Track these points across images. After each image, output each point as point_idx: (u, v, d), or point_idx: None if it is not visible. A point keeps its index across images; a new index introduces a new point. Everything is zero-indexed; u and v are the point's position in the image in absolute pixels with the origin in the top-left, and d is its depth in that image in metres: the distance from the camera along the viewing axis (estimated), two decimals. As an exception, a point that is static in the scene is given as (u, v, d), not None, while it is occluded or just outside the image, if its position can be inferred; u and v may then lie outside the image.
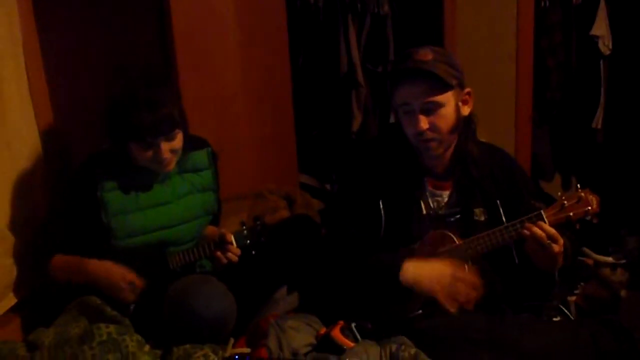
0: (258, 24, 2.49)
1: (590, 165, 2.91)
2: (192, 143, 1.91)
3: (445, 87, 1.65)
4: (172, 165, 1.81)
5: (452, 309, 1.60)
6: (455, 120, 1.70)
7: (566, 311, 1.84)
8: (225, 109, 2.46)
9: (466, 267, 1.65)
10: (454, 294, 1.60)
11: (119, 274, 1.76)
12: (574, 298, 2.16)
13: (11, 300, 1.89)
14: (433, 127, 1.66)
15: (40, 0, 2.04)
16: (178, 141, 1.78)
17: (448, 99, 1.67)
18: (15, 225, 1.88)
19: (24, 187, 1.92)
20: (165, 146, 1.74)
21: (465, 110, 1.74)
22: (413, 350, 1.60)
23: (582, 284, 2.27)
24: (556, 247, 1.57)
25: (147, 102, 1.71)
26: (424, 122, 1.65)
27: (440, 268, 1.64)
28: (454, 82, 1.67)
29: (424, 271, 1.64)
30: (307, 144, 2.88)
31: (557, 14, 2.75)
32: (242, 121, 2.52)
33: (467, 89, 1.73)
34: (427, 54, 1.65)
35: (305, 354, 1.71)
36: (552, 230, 1.57)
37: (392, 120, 2.87)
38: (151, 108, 1.70)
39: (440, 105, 1.66)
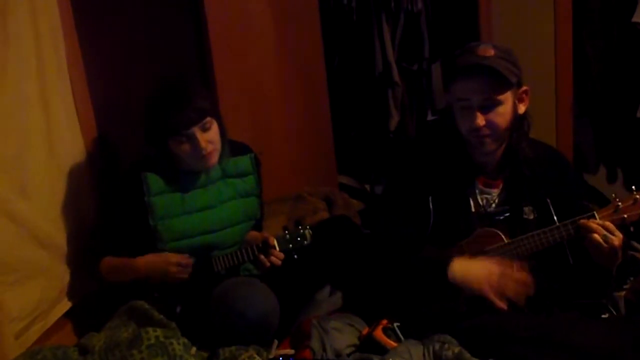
0: (292, 27, 2.50)
1: (636, 156, 2.83)
2: (235, 149, 1.95)
3: (506, 85, 1.63)
4: (214, 160, 1.83)
5: (502, 305, 1.58)
6: (512, 118, 1.67)
7: (612, 308, 1.80)
8: (262, 112, 2.49)
9: (514, 265, 1.63)
10: (503, 291, 1.58)
11: (162, 260, 1.81)
12: (623, 293, 2.10)
13: (65, 306, 1.95)
14: (489, 124, 1.64)
15: (81, 14, 2.10)
16: (214, 132, 1.81)
17: (507, 96, 1.64)
18: (65, 233, 1.94)
19: (72, 196, 1.98)
20: (201, 136, 1.77)
21: (521, 109, 1.70)
22: (457, 349, 1.59)
23: (631, 278, 2.20)
24: (616, 240, 1.53)
25: (174, 96, 1.77)
26: (480, 119, 1.63)
27: (489, 266, 1.62)
28: (514, 79, 1.64)
29: (472, 269, 1.62)
30: (346, 145, 2.88)
31: (596, 1, 2.69)
32: (279, 124, 2.54)
33: (524, 87, 1.70)
34: (489, 50, 1.63)
35: (349, 355, 1.71)
36: (610, 224, 1.54)
37: (429, 117, 2.85)
38: (179, 101, 1.75)
39: (499, 102, 1.63)
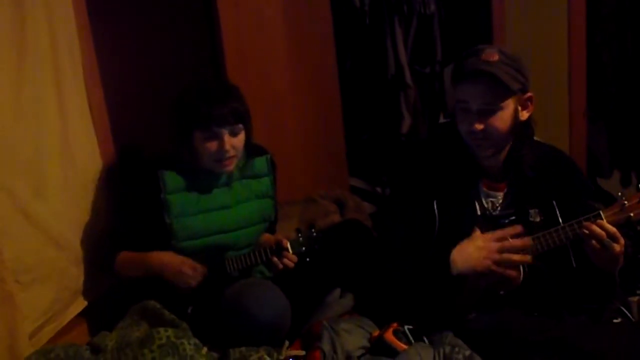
0: (305, 30, 2.51)
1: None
2: (252, 150, 1.96)
3: (507, 92, 1.62)
4: (232, 166, 1.86)
5: (515, 277, 1.59)
6: (512, 124, 1.66)
7: (627, 313, 1.78)
8: (274, 115, 2.50)
9: (508, 231, 1.63)
10: (507, 260, 1.59)
11: (180, 260, 1.82)
12: (636, 298, 2.08)
13: (79, 306, 1.96)
14: (487, 129, 1.64)
15: (97, 22, 2.12)
16: (240, 139, 1.83)
17: (508, 103, 1.64)
18: (79, 234, 1.96)
19: (86, 197, 2.00)
20: (227, 139, 1.80)
21: (524, 115, 1.70)
22: (467, 352, 1.59)
23: (644, 283, 2.18)
24: (617, 247, 1.52)
25: (218, 92, 1.81)
26: (478, 124, 1.63)
27: (484, 244, 1.62)
28: (516, 86, 1.63)
29: (471, 254, 1.62)
30: (357, 147, 2.89)
31: (610, 6, 2.67)
32: (291, 127, 2.55)
33: (529, 94, 1.69)
34: (493, 55, 1.61)
35: (359, 357, 1.71)
36: (613, 229, 1.52)
37: (441, 120, 2.85)
38: (220, 96, 1.79)
39: (499, 108, 1.63)
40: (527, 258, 1.60)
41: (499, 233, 1.63)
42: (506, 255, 1.60)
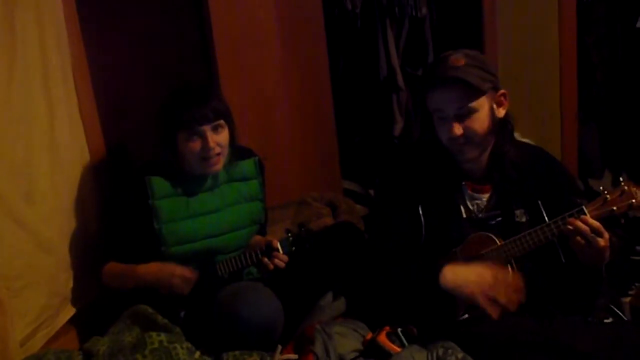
0: (297, 33, 2.51)
1: (642, 161, 2.83)
2: (240, 153, 1.96)
3: (478, 93, 1.64)
4: (219, 165, 1.85)
5: (494, 313, 1.58)
6: (490, 123, 1.68)
7: (619, 313, 1.79)
8: (266, 117, 2.49)
9: (508, 268, 1.62)
10: (495, 297, 1.58)
11: (167, 271, 1.81)
12: (628, 299, 2.09)
13: (70, 312, 1.95)
14: (467, 132, 1.65)
15: (87, 23, 2.11)
16: (223, 137, 1.83)
17: (482, 103, 1.66)
18: (69, 239, 1.95)
19: (76, 202, 1.99)
20: (211, 136, 1.80)
21: (501, 112, 1.72)
22: (460, 355, 1.59)
23: (636, 284, 2.20)
24: (602, 241, 1.53)
25: (194, 92, 1.83)
26: (457, 129, 1.65)
27: (479, 271, 1.61)
28: (487, 86, 1.65)
29: (463, 275, 1.62)
30: (350, 150, 2.89)
31: (600, 8, 2.69)
32: (283, 129, 2.55)
33: (502, 91, 1.71)
34: (459, 60, 1.64)
35: (352, 360, 1.72)
36: (596, 224, 1.53)
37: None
38: (198, 97, 1.81)
39: (473, 110, 1.65)
40: (512, 307, 1.58)
41: (500, 272, 1.61)
42: (493, 291, 1.58)
